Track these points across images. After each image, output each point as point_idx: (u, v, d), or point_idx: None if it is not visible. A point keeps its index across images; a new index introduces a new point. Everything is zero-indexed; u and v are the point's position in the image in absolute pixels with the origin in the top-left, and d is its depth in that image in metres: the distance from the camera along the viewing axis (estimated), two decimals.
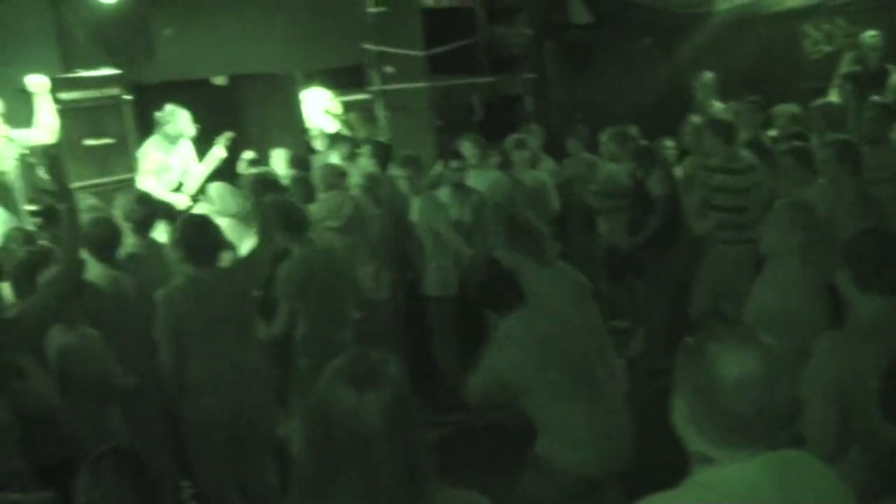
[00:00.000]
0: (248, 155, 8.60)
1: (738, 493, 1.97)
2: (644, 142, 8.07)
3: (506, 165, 8.35)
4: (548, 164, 8.98)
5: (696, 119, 8.71)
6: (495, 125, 9.26)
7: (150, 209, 5.83)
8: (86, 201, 6.53)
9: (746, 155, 6.89)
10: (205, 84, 10.16)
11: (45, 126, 7.08)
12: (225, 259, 5.43)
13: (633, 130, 8.39)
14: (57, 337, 4.48)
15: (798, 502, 2.02)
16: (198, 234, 4.88)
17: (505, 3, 10.51)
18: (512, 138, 8.48)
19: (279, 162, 8.57)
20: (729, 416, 2.00)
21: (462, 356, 7.11)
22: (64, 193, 4.69)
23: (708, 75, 9.80)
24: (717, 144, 6.79)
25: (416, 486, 2.06)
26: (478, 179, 7.71)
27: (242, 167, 8.55)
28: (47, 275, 4.78)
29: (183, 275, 4.91)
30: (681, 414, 2.10)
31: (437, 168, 8.05)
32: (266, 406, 5.01)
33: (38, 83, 7.10)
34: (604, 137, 8.30)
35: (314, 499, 2.07)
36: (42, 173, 7.48)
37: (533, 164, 8.58)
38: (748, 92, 8.69)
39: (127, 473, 2.67)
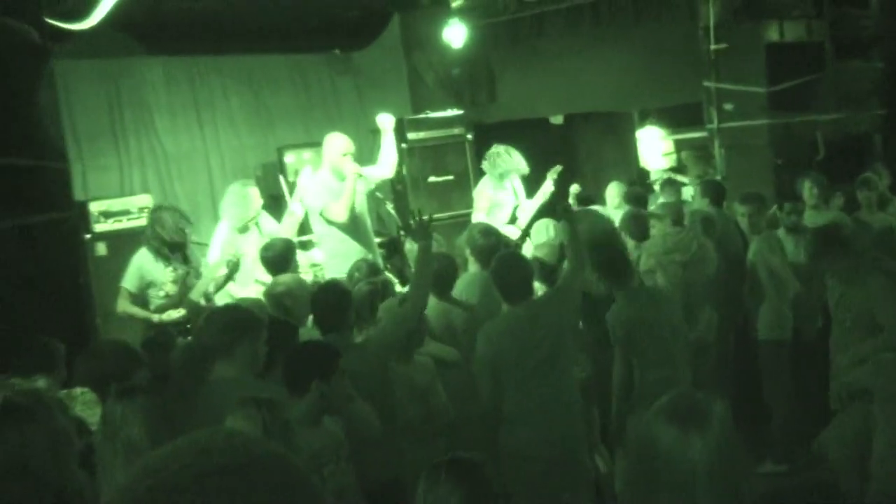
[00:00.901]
0: (575, 189, 8.65)
1: None
2: None
3: (851, 207, 7.89)
4: None
5: None
6: (840, 164, 8.78)
7: (493, 241, 6.06)
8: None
9: None
10: (542, 123, 10.46)
11: (388, 162, 7.56)
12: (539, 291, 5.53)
13: None
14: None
15: None
16: (508, 272, 5.03)
17: (856, 37, 9.96)
18: (858, 178, 8.00)
19: (612, 196, 8.61)
20: None
21: (795, 403, 6.79)
22: (406, 227, 4.95)
23: None
24: None
25: None
26: (815, 220, 7.34)
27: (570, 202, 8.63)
28: (388, 305, 5.11)
29: (502, 311, 5.08)
30: None
31: (774, 209, 7.76)
32: (580, 437, 5.03)
33: (386, 121, 7.60)
34: None
35: None
36: (390, 207, 8.01)
37: (881, 205, 8.04)
38: None
39: (463, 482, 2.73)
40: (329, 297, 4.84)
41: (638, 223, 7.06)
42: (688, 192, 8.99)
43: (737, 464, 2.07)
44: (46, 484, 1.91)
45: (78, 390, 3.75)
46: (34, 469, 2.02)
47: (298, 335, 4.74)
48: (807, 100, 9.17)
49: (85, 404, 3.81)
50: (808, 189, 7.54)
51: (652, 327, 5.39)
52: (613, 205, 8.50)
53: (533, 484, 4.81)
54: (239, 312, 4.30)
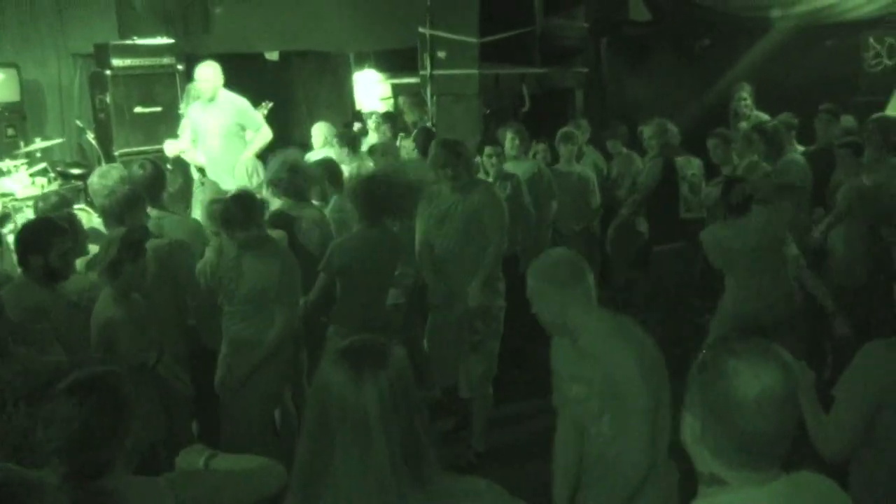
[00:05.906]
0: None
1: None
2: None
3: (553, 159, 8.30)
4: (593, 158, 8.90)
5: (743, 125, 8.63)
6: (543, 117, 9.19)
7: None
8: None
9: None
10: (257, 58, 10.22)
11: None
12: None
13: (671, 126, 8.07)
14: None
15: None
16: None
17: None
18: (560, 132, 8.39)
19: (317, 136, 8.54)
20: (747, 436, 1.90)
21: None
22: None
23: (746, 89, 9.26)
24: None
25: (413, 471, 2.00)
26: (516, 169, 7.58)
27: None
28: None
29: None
30: (693, 432, 1.99)
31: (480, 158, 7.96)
32: None
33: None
34: (646, 130, 8.18)
35: (314, 478, 2.02)
36: (90, 137, 7.54)
37: (578, 158, 8.51)
38: (806, 102, 8.38)
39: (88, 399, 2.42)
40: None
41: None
42: None
43: (413, 404, 2.04)
44: None
45: None
46: None
47: None
48: (515, 53, 9.50)
49: None
50: (509, 139, 7.78)
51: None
52: (318, 144, 8.45)
53: None
54: None
